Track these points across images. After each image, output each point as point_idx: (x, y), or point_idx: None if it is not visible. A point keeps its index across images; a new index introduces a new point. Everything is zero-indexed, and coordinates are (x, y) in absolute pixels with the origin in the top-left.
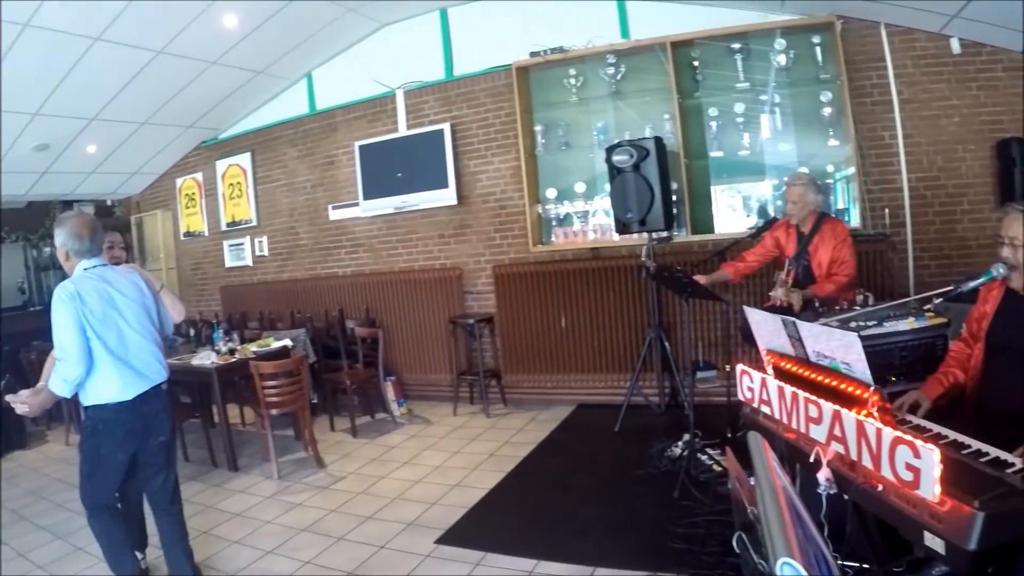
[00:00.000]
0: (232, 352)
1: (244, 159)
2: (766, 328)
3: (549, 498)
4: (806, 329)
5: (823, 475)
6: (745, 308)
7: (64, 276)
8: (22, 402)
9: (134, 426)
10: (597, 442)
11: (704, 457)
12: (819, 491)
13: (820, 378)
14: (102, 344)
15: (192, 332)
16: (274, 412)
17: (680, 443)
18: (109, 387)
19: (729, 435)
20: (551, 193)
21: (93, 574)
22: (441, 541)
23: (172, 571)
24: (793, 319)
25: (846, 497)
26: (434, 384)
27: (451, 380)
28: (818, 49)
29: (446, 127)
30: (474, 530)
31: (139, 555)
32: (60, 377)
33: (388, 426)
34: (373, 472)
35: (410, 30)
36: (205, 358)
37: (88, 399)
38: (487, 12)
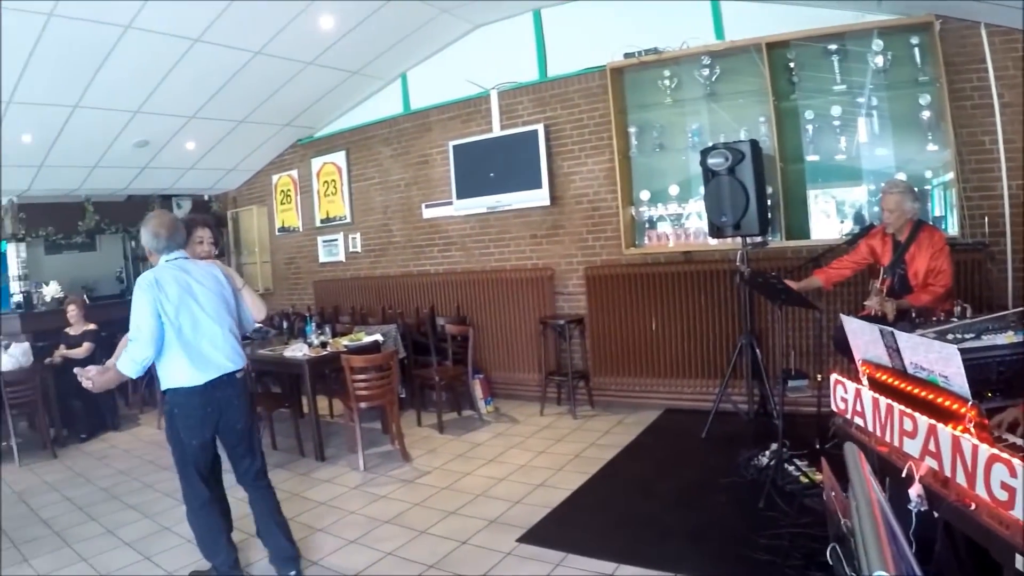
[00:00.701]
0: (324, 345)
1: (339, 157)
2: (862, 337)
3: (632, 502)
4: (904, 340)
5: (915, 491)
6: (842, 316)
7: None
8: (88, 377)
9: (207, 411)
10: (683, 448)
11: (791, 468)
12: (910, 507)
13: (916, 391)
14: (175, 330)
15: (285, 324)
16: (363, 405)
17: (767, 452)
18: (182, 372)
19: (818, 446)
20: (644, 195)
21: (192, 559)
22: (523, 540)
23: (269, 545)
24: (891, 329)
25: (936, 515)
26: (522, 383)
27: (539, 380)
28: (916, 50)
29: (540, 128)
30: (556, 530)
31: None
32: (129, 357)
33: (475, 423)
34: (458, 468)
35: (504, 31)
36: (297, 350)
37: (165, 383)
38: (581, 13)
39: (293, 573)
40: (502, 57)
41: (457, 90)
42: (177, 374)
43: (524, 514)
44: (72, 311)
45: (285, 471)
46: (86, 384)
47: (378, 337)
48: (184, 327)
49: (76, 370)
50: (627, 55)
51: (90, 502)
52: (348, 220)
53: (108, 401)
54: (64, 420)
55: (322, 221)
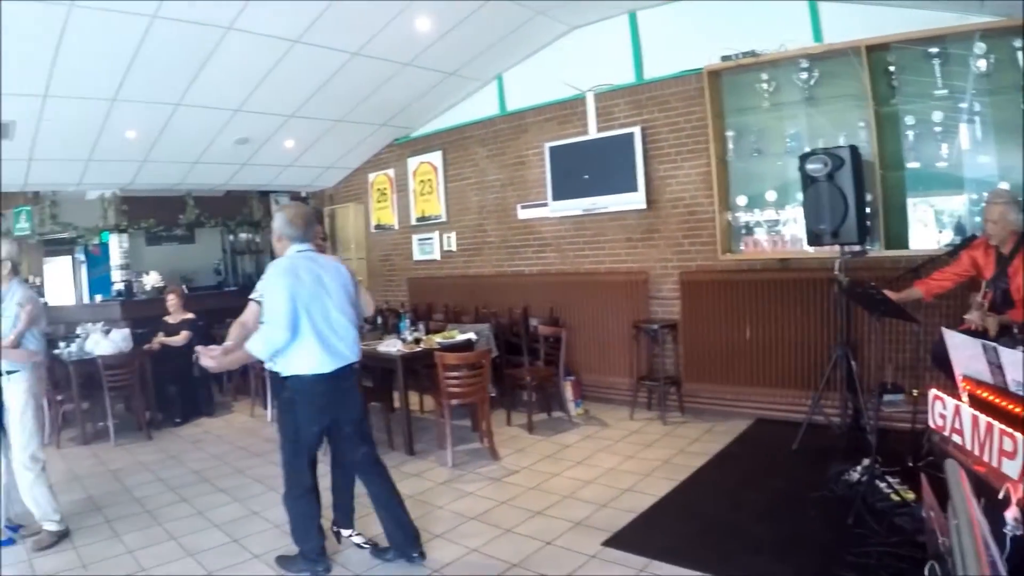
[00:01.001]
0: (417, 342)
1: (435, 157)
2: (964, 352)
3: (719, 512)
4: (1008, 356)
5: (1011, 514)
6: (944, 330)
7: (259, 260)
8: (212, 356)
9: (329, 399)
10: (773, 459)
11: (883, 485)
12: (1005, 531)
13: (1018, 410)
14: (308, 318)
15: (379, 320)
16: (454, 402)
17: (859, 468)
18: (310, 359)
19: (911, 464)
20: (741, 200)
21: (278, 544)
22: (608, 544)
23: (390, 526)
24: (994, 344)
25: None
26: (613, 387)
27: (630, 384)
28: (1020, 54)
29: (636, 130)
30: (641, 536)
31: (346, 532)
32: (263, 339)
33: (564, 425)
34: (546, 469)
35: (600, 33)
36: (391, 345)
37: (290, 369)
38: (677, 14)
39: (417, 554)
40: (598, 59)
41: (553, 92)
42: (306, 361)
43: (610, 518)
44: (172, 300)
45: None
46: (206, 363)
47: (471, 336)
48: (316, 316)
49: (199, 348)
50: (724, 58)
51: (182, 484)
52: (443, 219)
53: (203, 388)
54: (160, 404)
55: (418, 220)
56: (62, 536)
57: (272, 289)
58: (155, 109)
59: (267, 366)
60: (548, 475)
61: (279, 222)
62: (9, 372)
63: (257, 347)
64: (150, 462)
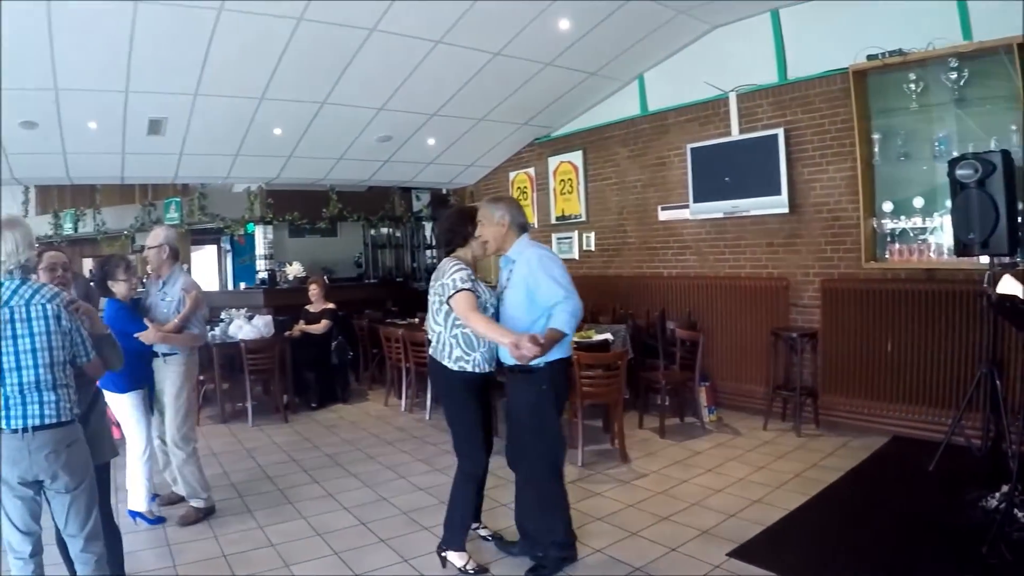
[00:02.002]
0: None
1: (576, 156)
2: None
3: (849, 531)
4: None
5: None
6: None
7: (398, 254)
8: (529, 347)
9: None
10: (908, 480)
11: (1021, 514)
12: None
13: None
14: None
15: None
16: (587, 402)
17: (998, 495)
18: (566, 344)
19: None
20: (887, 206)
21: (406, 530)
22: (733, 555)
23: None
24: None
25: None
26: (747, 395)
27: (765, 393)
28: None
29: (780, 132)
30: (768, 550)
31: (473, 524)
32: (570, 313)
33: (696, 431)
34: (675, 474)
35: (742, 32)
36: None
37: (553, 353)
38: (820, 12)
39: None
40: (740, 58)
41: (695, 92)
42: (564, 345)
43: (737, 529)
44: (314, 290)
45: (503, 457)
46: (521, 355)
47: (608, 336)
48: None
49: (508, 341)
50: (870, 56)
51: (315, 466)
52: (583, 219)
53: (341, 375)
54: (297, 389)
55: (557, 219)
56: (208, 513)
57: (559, 268)
58: (301, 107)
59: (445, 360)
60: (677, 481)
61: (510, 212)
62: (167, 355)
63: (569, 324)
64: (285, 443)
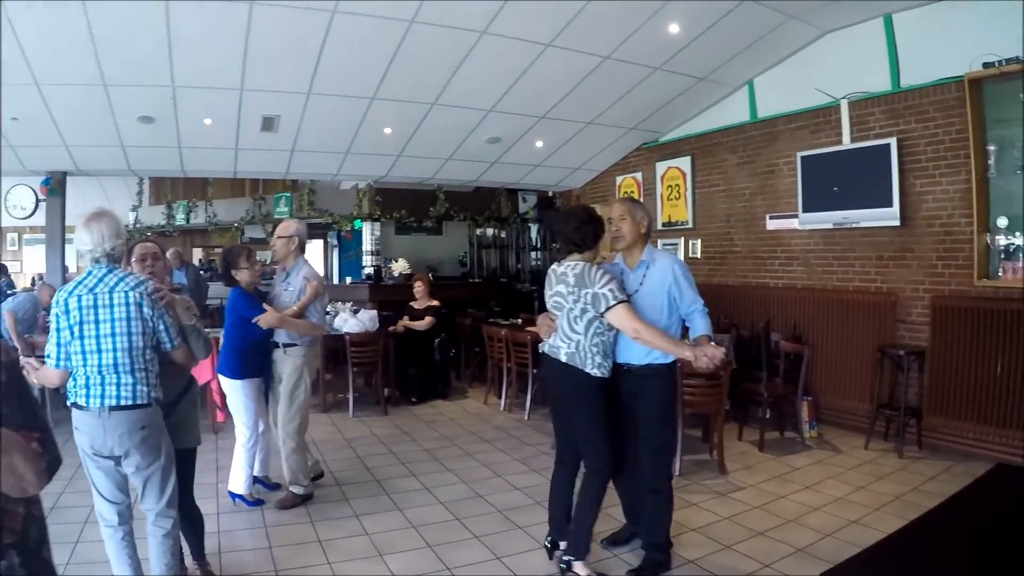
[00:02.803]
0: None
1: (684, 162)
2: None
3: (947, 562)
4: None
5: None
6: None
7: (503, 255)
8: (719, 356)
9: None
10: (1013, 510)
11: None
12: None
13: None
14: None
15: None
16: (688, 411)
17: None
18: None
19: None
20: (1001, 222)
21: (502, 528)
22: (827, 575)
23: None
24: None
25: None
26: (849, 412)
27: (868, 411)
28: None
29: (892, 142)
30: (861, 573)
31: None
32: (707, 319)
33: (795, 446)
34: (772, 489)
35: (853, 37)
36: None
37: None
38: (934, 17)
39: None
40: (852, 65)
41: (805, 99)
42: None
43: (833, 549)
44: (419, 287)
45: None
46: (708, 365)
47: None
48: None
49: (692, 353)
50: (986, 64)
51: (412, 459)
52: (690, 225)
53: (443, 372)
54: (399, 383)
55: (663, 224)
56: (305, 499)
57: (690, 276)
58: (411, 107)
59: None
60: (774, 496)
61: (648, 216)
62: (287, 345)
63: (709, 330)
64: (384, 435)
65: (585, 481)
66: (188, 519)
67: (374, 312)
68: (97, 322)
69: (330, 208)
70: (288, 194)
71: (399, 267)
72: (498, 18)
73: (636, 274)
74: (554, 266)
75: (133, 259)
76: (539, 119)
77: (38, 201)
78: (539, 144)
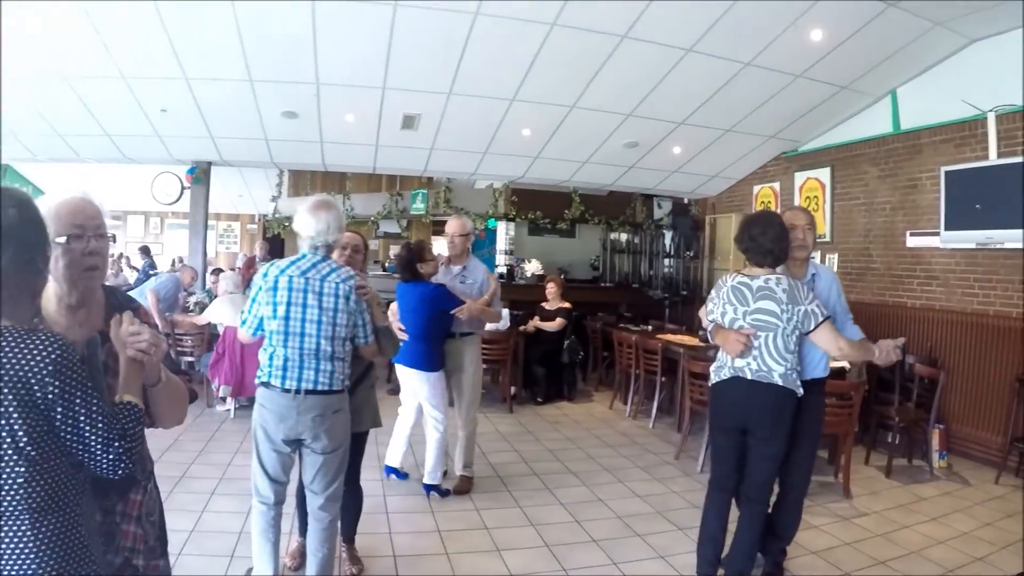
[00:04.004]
0: None
1: (823, 173)
2: None
3: None
4: None
5: None
6: None
7: (635, 260)
8: (892, 348)
9: None
10: None
11: None
12: None
13: None
14: None
15: None
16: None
17: None
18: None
19: None
20: None
21: (620, 534)
22: None
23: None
24: None
25: None
26: (981, 443)
27: (1002, 444)
28: None
29: None
30: None
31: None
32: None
33: (923, 475)
34: (897, 518)
35: (1002, 46)
36: None
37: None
38: None
39: None
40: (999, 76)
41: (950, 111)
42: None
43: None
44: (551, 288)
45: None
46: (889, 360)
47: (845, 364)
48: None
49: (879, 354)
50: None
51: (535, 459)
52: (827, 239)
53: (570, 374)
54: (525, 382)
55: None
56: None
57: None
58: (551, 110)
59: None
60: (898, 525)
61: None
62: (464, 334)
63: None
64: (508, 433)
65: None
66: (351, 498)
67: (506, 311)
68: (305, 306)
69: (465, 206)
70: (424, 191)
71: (532, 267)
72: (639, 22)
73: (803, 285)
74: (740, 279)
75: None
76: (677, 125)
77: (183, 188)
78: (677, 150)
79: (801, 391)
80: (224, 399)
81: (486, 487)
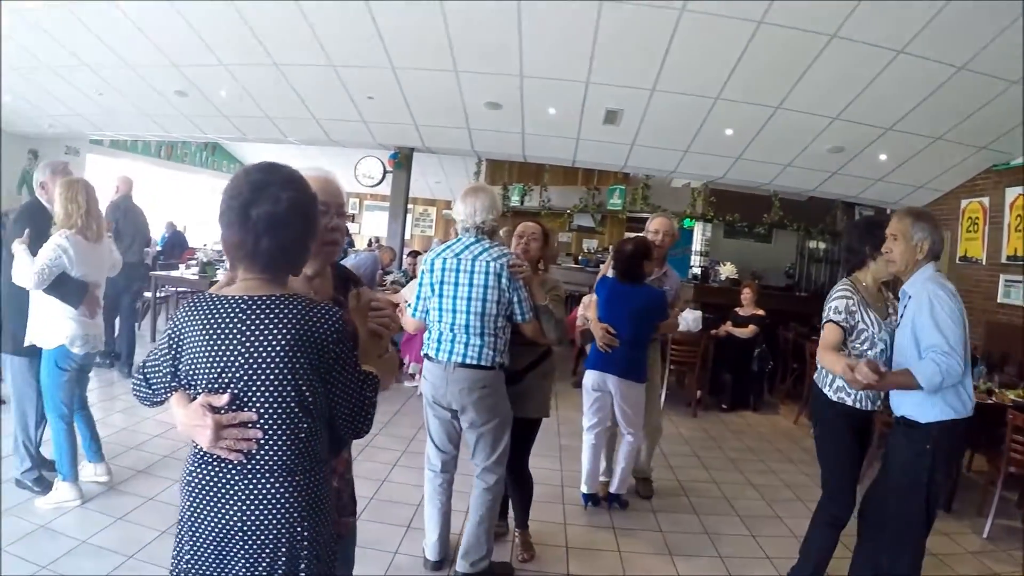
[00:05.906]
0: (989, 393)
1: None
2: None
3: None
4: None
5: None
6: None
7: (832, 271)
8: (867, 373)
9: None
10: None
11: None
12: None
13: None
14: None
15: None
16: (1012, 469)
17: None
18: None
19: None
20: None
21: (787, 553)
22: None
23: None
24: None
25: None
26: None
27: None
28: None
29: None
30: None
31: None
32: (941, 370)
33: None
34: None
35: None
36: None
37: (947, 411)
38: None
39: None
40: None
41: None
42: (963, 403)
43: None
44: (747, 294)
45: None
46: (853, 380)
47: None
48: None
49: (842, 366)
50: None
51: (716, 466)
52: None
53: (758, 383)
54: (712, 387)
55: (1008, 258)
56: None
57: (943, 311)
58: (755, 110)
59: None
60: None
61: (931, 237)
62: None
63: (934, 382)
64: (690, 437)
65: (815, 516)
66: (518, 484)
67: (698, 313)
68: (456, 284)
69: (662, 204)
70: (622, 187)
71: (727, 271)
72: (850, 20)
73: (901, 305)
74: None
75: (514, 234)
76: (885, 131)
77: (385, 172)
78: (883, 157)
79: (834, 397)
80: (413, 375)
81: (663, 490)
